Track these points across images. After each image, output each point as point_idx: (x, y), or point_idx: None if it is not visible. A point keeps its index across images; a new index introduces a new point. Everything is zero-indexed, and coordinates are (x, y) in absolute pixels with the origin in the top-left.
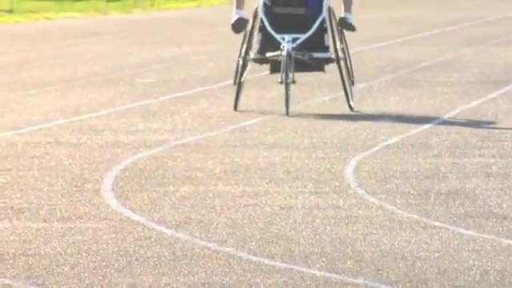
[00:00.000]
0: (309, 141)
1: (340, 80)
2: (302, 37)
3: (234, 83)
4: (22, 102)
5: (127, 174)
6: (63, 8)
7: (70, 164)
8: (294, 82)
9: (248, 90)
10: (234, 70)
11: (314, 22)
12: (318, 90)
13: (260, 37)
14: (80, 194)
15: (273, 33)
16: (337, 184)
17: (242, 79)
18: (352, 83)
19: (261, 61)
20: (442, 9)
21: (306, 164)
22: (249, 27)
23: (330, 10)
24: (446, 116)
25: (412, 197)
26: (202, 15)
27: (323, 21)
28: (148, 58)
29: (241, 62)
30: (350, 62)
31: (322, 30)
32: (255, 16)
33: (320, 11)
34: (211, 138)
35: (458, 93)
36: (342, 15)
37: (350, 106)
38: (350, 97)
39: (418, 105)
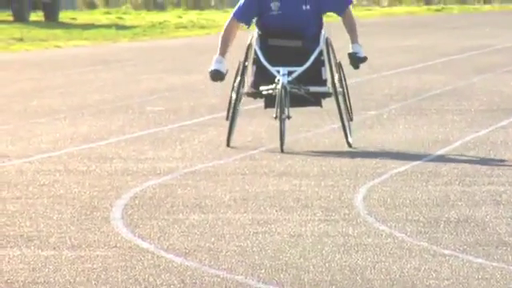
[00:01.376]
0: (318, 169)
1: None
2: (298, 70)
3: (227, 118)
4: (31, 130)
5: (137, 201)
6: (73, 36)
7: (79, 192)
8: (289, 117)
9: (257, 118)
10: (227, 104)
11: (310, 54)
12: (327, 117)
13: (254, 69)
14: (89, 222)
15: (267, 65)
16: (346, 212)
17: (236, 114)
18: (351, 119)
19: (255, 95)
20: (450, 37)
21: (315, 192)
22: (242, 59)
23: (327, 42)
24: (456, 144)
25: (422, 224)
26: (211, 43)
27: (320, 53)
28: (157, 86)
29: (234, 96)
30: (348, 96)
31: (319, 62)
32: (249, 48)
33: (317, 43)
34: (220, 165)
35: (468, 121)
36: (351, 50)
37: (348, 143)
38: (348, 133)
39: (427, 133)
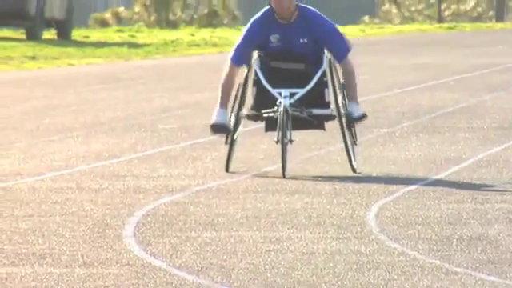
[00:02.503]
0: (330, 186)
1: (342, 139)
2: (301, 91)
3: (226, 142)
4: (44, 148)
5: (149, 219)
6: (85, 54)
7: (91, 210)
8: (291, 141)
9: (269, 136)
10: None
11: (313, 76)
12: (338, 135)
13: (254, 91)
14: (102, 240)
15: (268, 87)
16: (358, 229)
17: (235, 137)
18: (355, 142)
19: (255, 117)
20: (463, 55)
21: (327, 210)
22: (242, 80)
23: (330, 63)
24: (468, 162)
25: (434, 242)
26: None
27: (323, 74)
28: (170, 104)
29: (233, 119)
30: None
31: (322, 84)
32: (249, 69)
33: (320, 64)
34: (233, 183)
35: (480, 139)
36: (348, 110)
37: (353, 168)
38: (352, 157)
39: (439, 150)
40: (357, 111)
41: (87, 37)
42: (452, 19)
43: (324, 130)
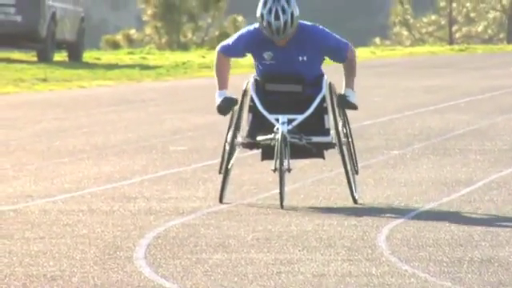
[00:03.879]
0: (341, 208)
1: (343, 168)
2: (299, 117)
3: (220, 171)
4: (55, 170)
5: (160, 241)
6: (96, 76)
7: (102, 231)
8: (289, 170)
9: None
10: (220, 156)
11: (312, 101)
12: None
13: (250, 118)
14: (113, 262)
15: (265, 113)
16: (369, 251)
17: (229, 166)
18: (356, 172)
19: (251, 145)
20: (474, 77)
21: (338, 231)
22: (237, 107)
23: (330, 87)
24: (479, 184)
25: (445, 264)
26: (234, 83)
27: (323, 99)
28: (181, 126)
29: (227, 147)
30: (353, 147)
31: (321, 110)
32: (244, 94)
33: (319, 88)
34: (244, 205)
35: (491, 161)
36: (343, 92)
37: (354, 199)
38: (353, 188)
39: (450, 172)
40: (352, 97)
41: (98, 59)
42: (463, 41)
43: (323, 158)
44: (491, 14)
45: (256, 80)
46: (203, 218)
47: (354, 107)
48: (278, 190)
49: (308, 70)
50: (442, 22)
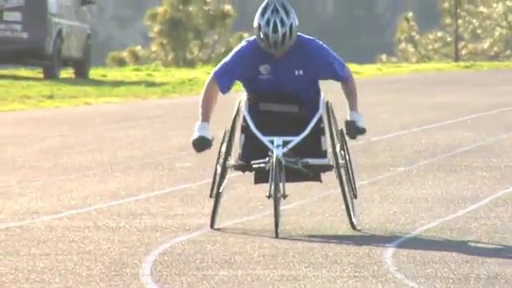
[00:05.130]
0: (347, 225)
1: (341, 192)
2: (295, 139)
3: (211, 195)
4: (61, 187)
5: (166, 258)
6: (103, 93)
7: (108, 248)
8: (284, 196)
9: None
10: (212, 179)
11: (308, 121)
12: (356, 174)
13: (242, 139)
14: (119, 279)
15: (259, 134)
16: (375, 268)
17: (221, 190)
18: (354, 196)
19: (243, 168)
20: (480, 94)
21: (344, 248)
22: (228, 127)
23: (328, 107)
24: (485, 200)
25: (451, 281)
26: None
27: (320, 120)
28: (187, 143)
29: (219, 170)
30: (351, 170)
31: (318, 131)
32: (237, 114)
33: (316, 108)
34: (249, 221)
35: (497, 177)
36: (349, 118)
37: (352, 224)
38: (352, 212)
39: (456, 189)
40: (360, 121)
41: (104, 76)
42: (469, 58)
43: (320, 182)
44: (497, 31)
45: (249, 99)
46: (209, 234)
47: (362, 132)
48: (284, 207)
49: (305, 85)
50: (448, 39)
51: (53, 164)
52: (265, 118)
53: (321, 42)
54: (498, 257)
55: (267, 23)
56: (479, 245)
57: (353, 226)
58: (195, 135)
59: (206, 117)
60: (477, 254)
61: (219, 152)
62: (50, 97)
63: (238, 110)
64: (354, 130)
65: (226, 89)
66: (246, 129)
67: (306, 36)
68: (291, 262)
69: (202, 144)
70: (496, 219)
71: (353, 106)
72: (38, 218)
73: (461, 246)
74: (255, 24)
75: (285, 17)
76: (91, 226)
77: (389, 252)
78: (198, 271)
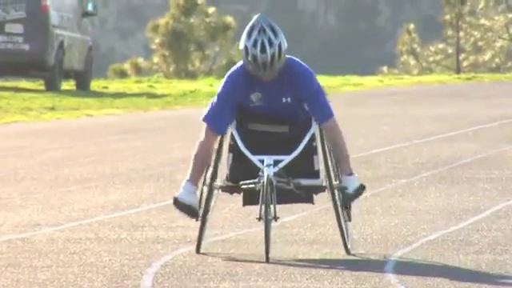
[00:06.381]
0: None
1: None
2: (286, 158)
3: (197, 218)
4: (62, 199)
5: (167, 270)
6: (104, 105)
7: (109, 260)
8: (276, 218)
9: None
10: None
11: (300, 140)
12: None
13: (230, 158)
14: None
15: (248, 153)
16: (377, 280)
17: (208, 213)
18: (349, 218)
19: (231, 189)
20: (481, 106)
21: (346, 260)
22: (216, 145)
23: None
24: (487, 212)
25: None
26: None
27: (312, 138)
28: (188, 155)
29: (205, 191)
30: None
31: (310, 149)
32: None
33: (308, 126)
34: (251, 234)
35: (499, 189)
36: (342, 183)
37: (346, 248)
38: (346, 236)
39: (458, 201)
40: (352, 185)
41: (106, 87)
42: (470, 70)
43: (313, 203)
44: (498, 43)
45: (237, 118)
46: (210, 246)
47: (358, 194)
48: (286, 219)
49: (294, 110)
50: (450, 51)
51: (54, 176)
52: (254, 137)
53: (314, 75)
54: (500, 269)
55: (254, 44)
56: (481, 257)
57: (347, 251)
58: (182, 197)
59: (195, 179)
60: (478, 265)
61: (205, 173)
62: (52, 109)
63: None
64: (346, 198)
65: (224, 129)
66: (233, 148)
67: (295, 59)
68: (293, 273)
69: (187, 211)
70: (497, 231)
71: (343, 169)
72: (39, 229)
73: (462, 258)
74: (241, 46)
75: (273, 37)
76: (93, 237)
77: (390, 264)
78: (200, 283)
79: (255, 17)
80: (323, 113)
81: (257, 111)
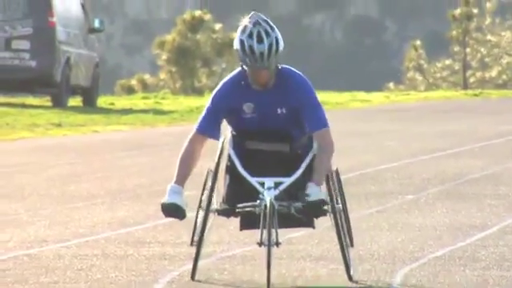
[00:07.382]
0: (356, 253)
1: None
2: (287, 180)
3: (192, 243)
4: (69, 215)
5: (174, 286)
6: (111, 121)
7: (116, 276)
8: (278, 244)
9: None
10: (192, 225)
11: (301, 161)
12: (364, 202)
13: (227, 180)
14: None
15: (246, 175)
16: None
17: (204, 237)
18: (351, 244)
19: (228, 213)
20: (488, 122)
21: (352, 276)
22: (212, 166)
23: None
24: (494, 229)
25: None
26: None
27: (314, 159)
28: (194, 171)
29: (201, 215)
30: (346, 214)
31: (311, 171)
32: (221, 152)
33: (309, 146)
34: (258, 250)
35: (506, 205)
36: (307, 189)
37: (349, 275)
38: (349, 263)
39: (465, 217)
40: (315, 194)
41: (112, 104)
42: (477, 86)
43: (313, 228)
44: (505, 60)
45: (234, 136)
46: (217, 262)
47: (316, 205)
48: (292, 235)
49: (290, 123)
50: (456, 67)
51: (61, 192)
52: (252, 157)
53: (310, 85)
54: (507, 285)
55: (250, 35)
56: (488, 272)
57: (349, 277)
58: (166, 199)
59: (181, 179)
60: (485, 281)
61: (201, 195)
62: (59, 125)
63: (222, 149)
64: (304, 204)
65: (217, 135)
66: (231, 169)
67: (290, 67)
68: None
69: (173, 212)
70: (505, 247)
71: (314, 176)
72: (46, 246)
73: (469, 274)
74: (237, 42)
75: (269, 29)
76: (99, 254)
77: (397, 280)
78: None
79: (248, 16)
80: (319, 122)
81: (251, 125)
